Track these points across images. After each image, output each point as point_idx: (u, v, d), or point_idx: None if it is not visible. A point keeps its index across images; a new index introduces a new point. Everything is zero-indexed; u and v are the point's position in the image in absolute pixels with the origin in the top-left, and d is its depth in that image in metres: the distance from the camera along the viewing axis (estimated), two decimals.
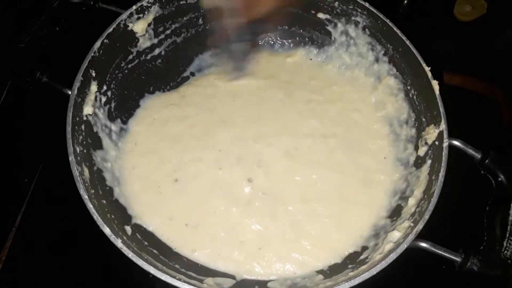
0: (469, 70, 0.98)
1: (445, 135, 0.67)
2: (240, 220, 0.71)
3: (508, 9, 1.00)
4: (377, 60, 0.84)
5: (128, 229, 0.67)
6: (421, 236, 0.60)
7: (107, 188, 0.71)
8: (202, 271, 0.67)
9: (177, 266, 0.66)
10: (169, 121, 0.80)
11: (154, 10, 0.79)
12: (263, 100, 0.84)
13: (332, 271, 0.67)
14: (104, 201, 0.66)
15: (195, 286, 0.56)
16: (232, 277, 0.67)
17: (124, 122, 0.80)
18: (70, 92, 0.67)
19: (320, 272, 0.68)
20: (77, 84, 0.67)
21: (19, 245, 0.74)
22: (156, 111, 0.82)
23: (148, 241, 0.68)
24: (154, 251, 0.67)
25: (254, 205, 0.72)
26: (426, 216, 0.61)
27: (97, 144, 0.72)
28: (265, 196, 0.73)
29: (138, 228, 0.70)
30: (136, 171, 0.75)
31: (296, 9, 0.87)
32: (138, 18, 0.77)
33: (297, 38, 0.91)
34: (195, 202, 0.73)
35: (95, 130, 0.72)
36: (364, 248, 0.69)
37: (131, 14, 0.76)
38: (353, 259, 0.68)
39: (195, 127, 0.80)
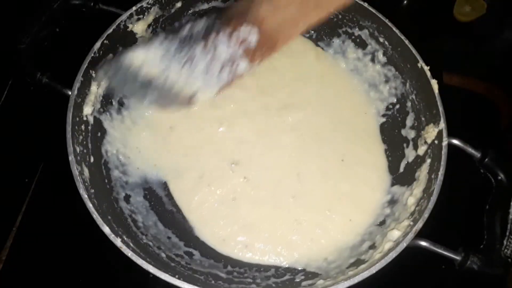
0: (468, 70, 0.98)
1: (445, 134, 0.67)
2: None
3: (507, 9, 1.01)
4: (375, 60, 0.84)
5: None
6: (420, 235, 0.60)
7: (108, 187, 0.71)
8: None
9: (176, 265, 0.66)
10: None
11: (154, 11, 0.80)
12: None
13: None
14: (104, 203, 0.66)
15: (195, 285, 0.56)
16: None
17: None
18: (70, 93, 0.67)
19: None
20: (77, 84, 0.67)
21: (19, 245, 0.74)
22: None
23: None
24: (155, 249, 0.67)
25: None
26: (426, 215, 0.61)
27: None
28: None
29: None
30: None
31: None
32: (138, 19, 0.78)
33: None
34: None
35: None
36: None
37: (131, 15, 0.76)
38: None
39: None
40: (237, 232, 0.71)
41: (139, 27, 0.79)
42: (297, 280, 0.66)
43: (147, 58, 0.59)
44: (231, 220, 0.72)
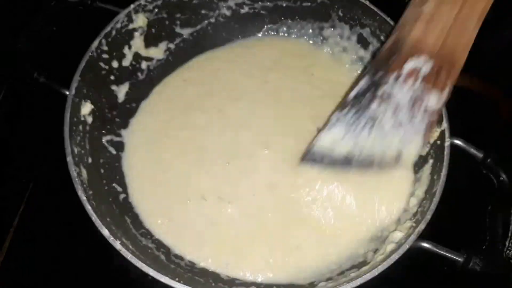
0: (470, 70, 0.97)
1: (447, 134, 0.67)
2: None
3: (509, 9, 1.00)
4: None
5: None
6: (423, 236, 0.60)
7: (106, 188, 0.70)
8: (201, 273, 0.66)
9: (176, 267, 0.65)
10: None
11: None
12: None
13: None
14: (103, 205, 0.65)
15: None
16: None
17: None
18: (68, 92, 0.66)
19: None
20: (74, 84, 0.67)
21: (17, 246, 0.74)
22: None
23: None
24: (155, 251, 0.67)
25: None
26: (428, 216, 0.61)
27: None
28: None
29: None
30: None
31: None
32: (137, 17, 0.77)
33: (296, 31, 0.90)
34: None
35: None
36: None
37: (129, 13, 0.75)
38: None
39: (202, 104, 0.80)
40: (222, 252, 0.68)
41: (137, 25, 0.78)
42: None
43: (334, 138, 0.60)
44: (213, 246, 0.69)
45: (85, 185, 0.62)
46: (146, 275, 0.56)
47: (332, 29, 0.87)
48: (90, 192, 0.62)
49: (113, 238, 0.57)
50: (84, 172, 0.64)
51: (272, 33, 0.90)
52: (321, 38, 0.88)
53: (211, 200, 0.72)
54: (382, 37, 0.80)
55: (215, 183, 0.73)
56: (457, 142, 0.67)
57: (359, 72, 0.86)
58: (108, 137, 0.75)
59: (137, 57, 0.81)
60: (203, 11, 0.85)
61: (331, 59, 0.88)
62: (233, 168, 0.74)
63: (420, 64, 0.52)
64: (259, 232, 0.69)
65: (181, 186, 0.73)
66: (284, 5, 0.86)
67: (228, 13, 0.87)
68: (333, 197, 0.69)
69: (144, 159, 0.76)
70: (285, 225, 0.70)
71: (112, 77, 0.77)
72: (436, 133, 0.69)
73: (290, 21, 0.89)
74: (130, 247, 0.60)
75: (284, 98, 0.82)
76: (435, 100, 0.53)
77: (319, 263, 0.67)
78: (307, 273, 0.66)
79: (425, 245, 0.60)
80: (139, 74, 0.82)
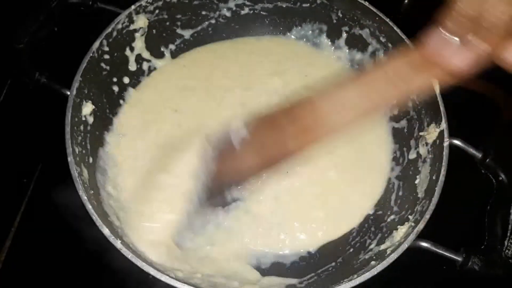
0: None
1: (446, 134, 0.67)
2: None
3: None
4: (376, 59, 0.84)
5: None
6: (422, 236, 0.60)
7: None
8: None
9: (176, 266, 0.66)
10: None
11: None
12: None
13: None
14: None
15: (195, 287, 0.56)
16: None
17: None
18: (69, 93, 0.66)
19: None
20: (76, 84, 0.67)
21: (18, 246, 0.74)
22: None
23: None
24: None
25: None
26: (427, 216, 0.61)
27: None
28: None
29: None
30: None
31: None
32: (138, 18, 0.77)
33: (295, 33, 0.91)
34: None
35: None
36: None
37: (130, 14, 0.75)
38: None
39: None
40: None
41: (138, 26, 0.78)
42: None
43: None
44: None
45: (86, 185, 0.62)
46: (147, 274, 0.56)
47: (331, 30, 0.87)
48: (91, 192, 0.63)
49: (113, 237, 0.57)
50: (85, 172, 0.65)
51: (272, 34, 0.91)
52: (321, 39, 0.89)
53: None
54: (381, 38, 0.81)
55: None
56: (456, 142, 0.68)
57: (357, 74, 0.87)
58: None
59: (138, 58, 0.81)
60: (203, 12, 0.86)
61: (329, 60, 0.88)
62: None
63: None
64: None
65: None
66: (284, 6, 0.87)
67: (228, 14, 0.87)
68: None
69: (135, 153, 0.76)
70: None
71: (113, 78, 0.77)
72: (435, 133, 0.69)
73: (290, 22, 0.89)
74: (131, 246, 0.60)
75: (279, 94, 0.82)
76: None
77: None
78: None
79: (424, 244, 0.61)
80: (140, 74, 0.83)
